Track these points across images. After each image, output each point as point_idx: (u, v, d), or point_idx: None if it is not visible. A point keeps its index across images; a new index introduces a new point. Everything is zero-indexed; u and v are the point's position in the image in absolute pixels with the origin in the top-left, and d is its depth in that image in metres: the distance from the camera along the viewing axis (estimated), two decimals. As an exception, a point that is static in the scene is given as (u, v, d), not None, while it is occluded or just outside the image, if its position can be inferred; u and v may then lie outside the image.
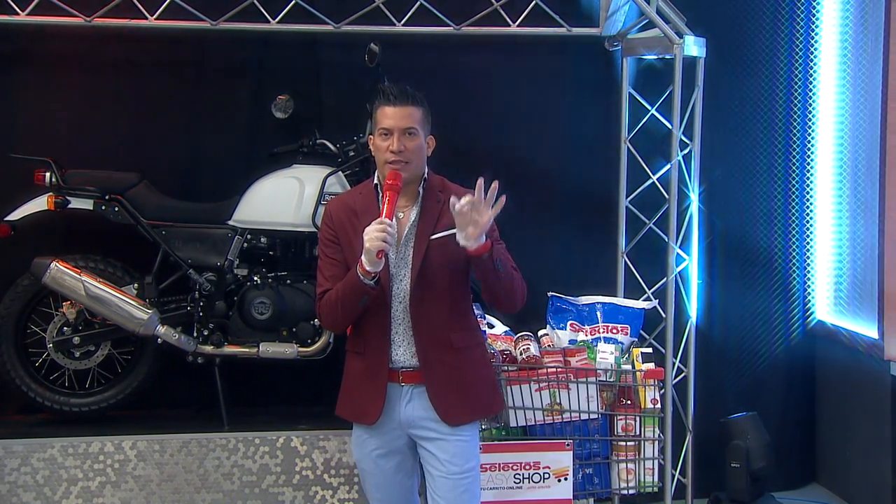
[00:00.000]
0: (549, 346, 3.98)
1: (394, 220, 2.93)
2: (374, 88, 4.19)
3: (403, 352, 3.07)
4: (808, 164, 4.89)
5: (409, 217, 3.08)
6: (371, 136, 3.10)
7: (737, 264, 4.87)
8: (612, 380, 3.86)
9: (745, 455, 4.41)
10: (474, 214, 2.85)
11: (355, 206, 3.10)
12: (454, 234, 2.93)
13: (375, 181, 3.12)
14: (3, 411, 4.55)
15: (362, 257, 2.90)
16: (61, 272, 4.16)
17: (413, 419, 3.09)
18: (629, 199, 4.57)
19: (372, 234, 2.87)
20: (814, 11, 4.80)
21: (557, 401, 3.81)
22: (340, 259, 3.08)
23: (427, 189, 3.10)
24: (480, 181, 2.86)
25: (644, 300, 4.34)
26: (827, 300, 4.92)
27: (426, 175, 3.11)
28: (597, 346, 3.97)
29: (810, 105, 4.86)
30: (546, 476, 3.75)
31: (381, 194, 3.05)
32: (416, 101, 3.06)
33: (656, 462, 3.92)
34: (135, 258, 4.38)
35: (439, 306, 3.05)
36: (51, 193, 4.22)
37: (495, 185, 2.87)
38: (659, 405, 3.91)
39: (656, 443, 3.90)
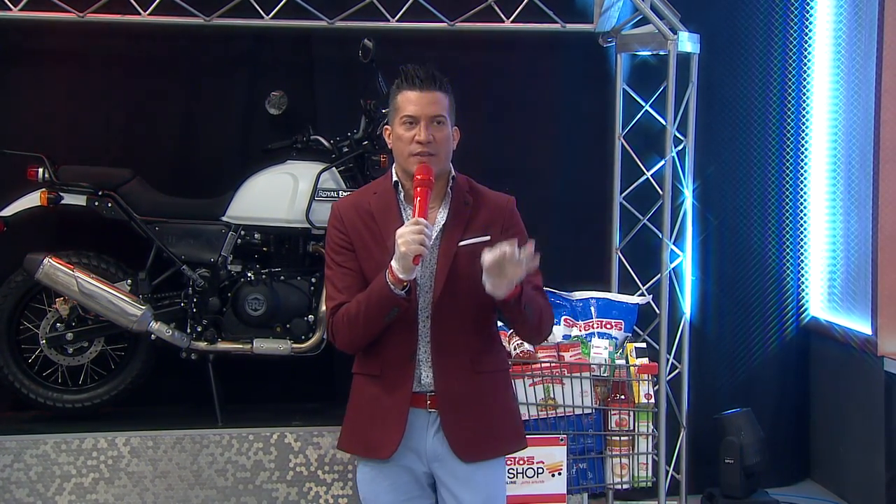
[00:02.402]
0: (543, 341, 3.98)
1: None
2: (370, 84, 4.26)
3: (431, 373, 2.69)
4: (802, 160, 4.89)
5: (436, 220, 2.70)
6: (387, 126, 2.76)
7: (731, 260, 4.88)
8: (605, 375, 3.86)
9: (738, 451, 4.42)
10: (506, 269, 2.49)
11: (370, 208, 2.72)
12: (485, 242, 2.62)
13: (395, 178, 2.74)
14: (-5, 408, 4.54)
15: (392, 263, 2.55)
16: (54, 268, 4.15)
17: (439, 453, 2.70)
18: (623, 195, 4.58)
19: (408, 237, 2.50)
20: (807, 7, 4.81)
21: (551, 396, 3.81)
22: (355, 267, 2.70)
23: (455, 189, 2.75)
24: (514, 242, 2.50)
25: (638, 296, 4.35)
26: (821, 296, 4.93)
27: (453, 172, 2.77)
28: (591, 341, 3.97)
29: (804, 101, 4.86)
30: (540, 471, 3.75)
31: (400, 192, 2.73)
32: (444, 86, 2.70)
33: (650, 457, 3.92)
34: (128, 254, 4.36)
35: (463, 323, 2.69)
36: (44, 189, 4.20)
37: (530, 247, 2.52)
38: (653, 400, 3.91)
39: (650, 438, 3.91)
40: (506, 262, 2.49)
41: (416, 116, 2.66)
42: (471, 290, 2.64)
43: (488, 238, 2.66)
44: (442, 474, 2.73)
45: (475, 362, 2.73)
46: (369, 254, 2.69)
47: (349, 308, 2.65)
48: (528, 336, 2.86)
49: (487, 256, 2.50)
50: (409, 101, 2.67)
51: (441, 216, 2.72)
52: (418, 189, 2.61)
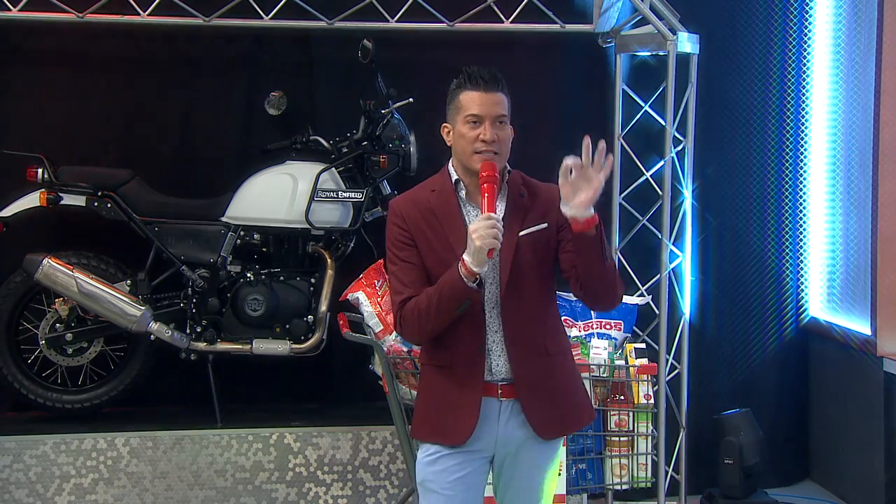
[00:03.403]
0: (542, 342, 3.97)
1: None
2: (369, 85, 4.26)
3: (503, 362, 2.79)
4: (802, 160, 4.89)
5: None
6: (446, 125, 2.84)
7: (730, 261, 4.88)
8: (605, 375, 3.86)
9: (738, 451, 4.41)
10: (583, 180, 2.60)
11: (431, 205, 2.81)
12: (543, 229, 2.76)
13: (455, 176, 2.83)
14: (-5, 408, 4.54)
15: (465, 257, 2.63)
16: (54, 269, 4.15)
17: (514, 439, 2.81)
18: (623, 195, 4.57)
19: (482, 231, 2.59)
20: (807, 7, 4.81)
21: (551, 397, 3.80)
22: (418, 262, 2.78)
23: (510, 183, 2.86)
24: (587, 141, 2.61)
25: (637, 296, 4.35)
26: (820, 296, 4.92)
27: (509, 169, 2.88)
28: (590, 341, 3.97)
29: (803, 101, 4.86)
30: (539, 472, 3.75)
31: (461, 190, 2.82)
32: (505, 87, 2.82)
33: (649, 458, 3.92)
34: (127, 255, 4.37)
35: (532, 309, 2.80)
36: (43, 190, 4.21)
37: (602, 144, 2.61)
38: (652, 401, 3.91)
39: (649, 438, 3.91)
40: (583, 171, 2.60)
41: (480, 116, 2.77)
42: (535, 277, 2.79)
43: (546, 225, 2.79)
44: (511, 454, 2.83)
45: (547, 346, 2.83)
46: (431, 249, 2.79)
47: (419, 301, 2.73)
48: (606, 290, 2.80)
49: (568, 164, 2.59)
50: (474, 101, 2.79)
51: (500, 210, 2.80)
52: (485, 185, 2.71)
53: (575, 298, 4.10)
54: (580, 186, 2.63)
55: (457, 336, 2.77)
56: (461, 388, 2.79)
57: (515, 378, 2.79)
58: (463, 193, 2.84)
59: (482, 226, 2.61)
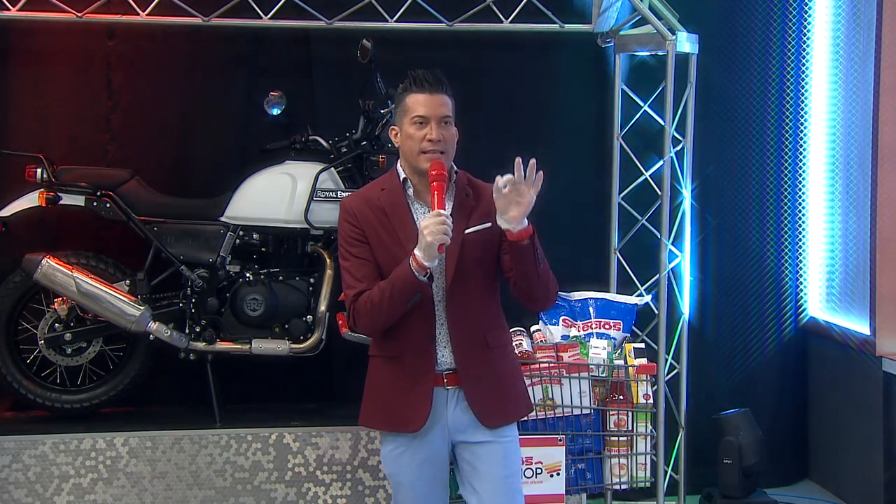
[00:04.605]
0: (541, 341, 3.98)
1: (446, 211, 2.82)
2: (368, 84, 4.26)
3: (448, 353, 2.93)
4: (801, 160, 4.89)
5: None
6: (394, 127, 2.98)
7: (729, 261, 4.88)
8: (604, 375, 3.87)
9: (737, 451, 4.42)
10: (515, 195, 2.74)
11: (381, 203, 2.96)
12: (487, 228, 2.87)
13: (403, 175, 2.97)
14: (-6, 408, 4.54)
15: (416, 252, 2.77)
16: (53, 268, 4.14)
17: (461, 424, 2.95)
18: (622, 195, 4.58)
19: (433, 227, 2.74)
20: (806, 7, 4.81)
21: (550, 396, 3.81)
22: (370, 258, 2.93)
23: (457, 183, 2.98)
24: (518, 160, 2.75)
25: (637, 296, 4.35)
26: (819, 296, 4.93)
27: (455, 169, 3.00)
28: (589, 341, 3.97)
29: (802, 101, 4.86)
30: (538, 471, 3.76)
31: (409, 188, 2.95)
32: (448, 89, 2.95)
33: (648, 457, 3.93)
34: (126, 255, 4.37)
35: (475, 304, 2.94)
36: (42, 190, 4.20)
37: (533, 162, 2.75)
38: (651, 400, 3.92)
39: (648, 438, 3.91)
40: (515, 186, 2.72)
41: (426, 117, 2.90)
42: (479, 273, 2.93)
43: (490, 225, 2.88)
44: (465, 442, 2.97)
45: (488, 339, 2.97)
46: (383, 245, 2.92)
47: (371, 294, 2.87)
48: (537, 291, 2.94)
49: (500, 182, 2.73)
50: (419, 102, 2.91)
51: (448, 208, 2.91)
52: (434, 183, 2.83)
53: (574, 298, 4.14)
54: (513, 201, 2.76)
55: (407, 328, 2.91)
56: (413, 378, 2.93)
57: (458, 368, 2.93)
58: (411, 191, 2.97)
59: (433, 222, 2.75)
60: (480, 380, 2.94)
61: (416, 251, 2.78)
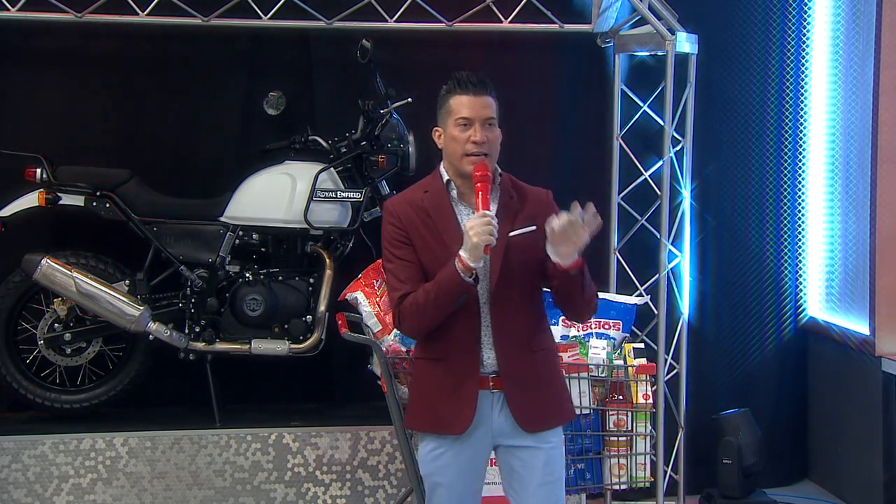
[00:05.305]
0: (541, 342, 3.97)
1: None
2: (368, 85, 4.26)
3: (492, 356, 2.90)
4: (800, 160, 4.89)
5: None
6: (437, 129, 2.95)
7: (729, 261, 4.88)
8: (603, 375, 3.86)
9: (736, 451, 4.41)
10: (571, 234, 2.73)
11: (425, 205, 2.92)
12: (532, 232, 2.85)
13: (446, 177, 2.95)
14: (-7, 408, 4.54)
15: (462, 253, 2.75)
16: (52, 269, 4.14)
17: (504, 427, 2.92)
18: (621, 195, 4.58)
19: (479, 228, 2.72)
20: (805, 8, 4.81)
21: (549, 397, 3.80)
22: (414, 259, 2.90)
23: (501, 184, 2.96)
24: (576, 203, 2.75)
25: (636, 296, 4.35)
26: (819, 296, 4.93)
27: (500, 171, 2.98)
28: (589, 341, 3.97)
29: (802, 101, 4.86)
30: (538, 472, 3.74)
31: (452, 190, 2.93)
32: (493, 91, 2.93)
33: (648, 457, 3.92)
34: (126, 255, 4.37)
35: (519, 307, 2.91)
36: (42, 190, 4.21)
37: (591, 207, 2.76)
38: (651, 401, 3.91)
39: (648, 438, 3.91)
40: (572, 226, 2.72)
41: (470, 118, 2.88)
42: (523, 276, 2.90)
43: (534, 228, 2.87)
44: (507, 446, 2.93)
45: (531, 342, 2.93)
46: (427, 247, 2.89)
47: (416, 296, 2.84)
48: (580, 311, 2.99)
49: (555, 223, 2.73)
50: (463, 104, 2.89)
51: (492, 209, 2.88)
52: (478, 184, 2.81)
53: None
54: (568, 239, 2.76)
55: (452, 329, 2.88)
56: (458, 379, 2.89)
57: (501, 371, 2.89)
58: (454, 193, 2.94)
59: (478, 223, 2.73)
60: (522, 383, 2.91)
61: (461, 252, 2.76)
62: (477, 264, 2.76)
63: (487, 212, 2.76)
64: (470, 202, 2.91)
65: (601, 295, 4.14)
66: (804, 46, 4.84)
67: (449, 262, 2.79)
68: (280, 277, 4.29)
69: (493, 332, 2.90)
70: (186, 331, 4.26)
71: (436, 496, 2.96)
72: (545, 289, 2.99)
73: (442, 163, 2.98)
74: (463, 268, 2.75)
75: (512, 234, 2.86)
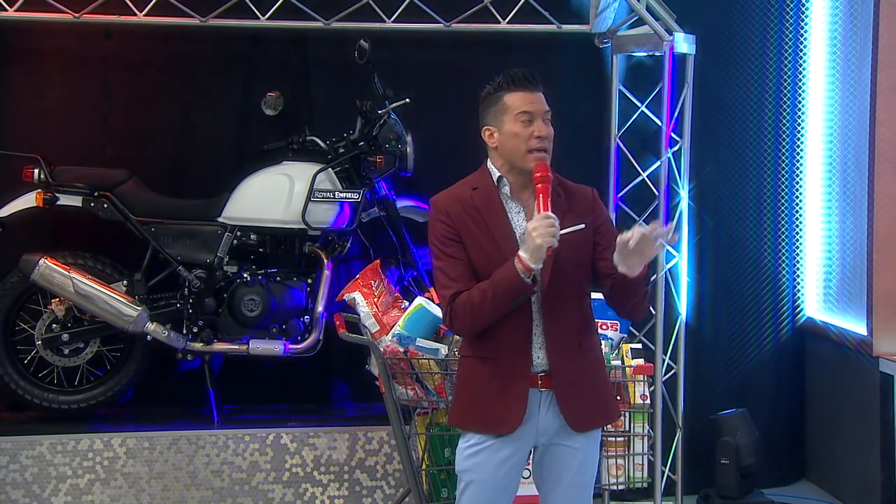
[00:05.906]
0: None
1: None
2: (366, 85, 4.26)
3: (543, 354, 2.87)
4: (798, 160, 4.90)
5: (534, 212, 2.85)
6: (488, 127, 2.91)
7: (726, 261, 4.88)
8: (601, 376, 3.85)
9: (734, 451, 4.41)
10: (641, 247, 2.67)
11: (475, 202, 2.88)
12: (581, 230, 2.82)
13: (497, 174, 2.91)
14: (-9, 409, 4.54)
15: (522, 253, 2.72)
16: (50, 269, 4.15)
17: (549, 427, 2.89)
18: (619, 195, 4.57)
19: (543, 230, 2.68)
20: (803, 8, 4.81)
21: (547, 397, 3.80)
22: (464, 257, 2.85)
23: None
24: (657, 221, 2.76)
25: (634, 297, 4.34)
26: (816, 297, 4.93)
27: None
28: (587, 342, 3.96)
29: (800, 101, 4.87)
30: (536, 472, 3.75)
31: (504, 187, 2.89)
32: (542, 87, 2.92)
33: (646, 458, 3.92)
34: (124, 255, 4.37)
35: (570, 306, 2.89)
36: (39, 190, 4.21)
37: (672, 225, 2.74)
38: (648, 401, 3.91)
39: (646, 439, 3.91)
40: (644, 239, 2.66)
41: (532, 112, 2.88)
42: (574, 275, 2.88)
43: (583, 226, 2.84)
44: (550, 443, 2.91)
45: (581, 341, 2.91)
46: (477, 245, 2.85)
47: (471, 295, 2.80)
48: (636, 310, 2.96)
49: (627, 236, 2.67)
50: (523, 100, 2.89)
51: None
52: (539, 185, 2.79)
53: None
54: (638, 251, 2.70)
55: (503, 328, 2.84)
56: (508, 379, 2.86)
57: (552, 370, 2.86)
58: (506, 190, 2.91)
59: (541, 224, 2.70)
60: (572, 383, 2.88)
61: (521, 253, 2.73)
62: (538, 265, 2.73)
63: (550, 213, 2.73)
64: (521, 199, 2.90)
65: (598, 295, 4.16)
66: (802, 46, 4.84)
67: (506, 263, 2.76)
68: (278, 278, 4.30)
69: (545, 331, 2.87)
70: (184, 331, 4.26)
71: (467, 494, 2.92)
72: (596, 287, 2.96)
73: (489, 160, 2.95)
74: (523, 269, 2.72)
75: (562, 232, 2.80)
